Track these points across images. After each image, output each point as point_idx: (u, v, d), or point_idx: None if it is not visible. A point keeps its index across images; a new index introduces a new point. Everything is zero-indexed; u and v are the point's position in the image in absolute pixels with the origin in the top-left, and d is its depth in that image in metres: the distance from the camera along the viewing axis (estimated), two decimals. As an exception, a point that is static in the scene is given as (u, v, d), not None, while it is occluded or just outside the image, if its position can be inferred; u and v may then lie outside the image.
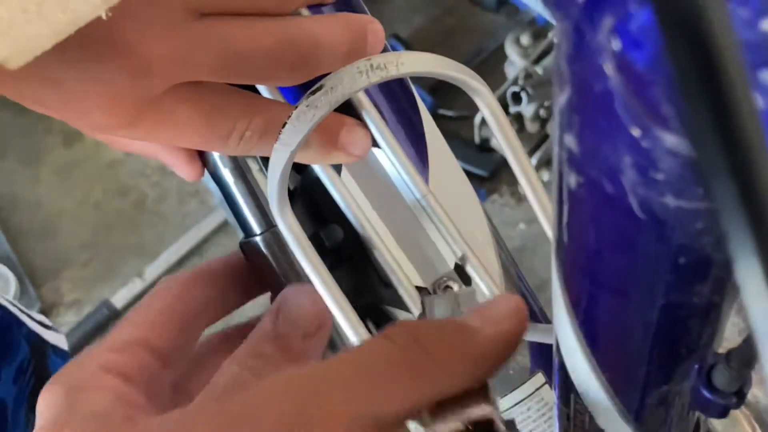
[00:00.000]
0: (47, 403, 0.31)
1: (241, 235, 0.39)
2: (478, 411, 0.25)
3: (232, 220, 0.40)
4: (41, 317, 0.70)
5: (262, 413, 0.23)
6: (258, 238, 0.37)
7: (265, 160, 0.38)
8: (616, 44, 0.16)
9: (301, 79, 0.32)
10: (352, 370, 0.24)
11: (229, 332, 0.39)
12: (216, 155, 0.38)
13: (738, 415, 0.30)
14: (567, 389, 0.25)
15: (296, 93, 0.35)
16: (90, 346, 0.34)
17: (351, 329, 0.29)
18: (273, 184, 0.29)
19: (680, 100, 0.10)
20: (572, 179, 0.19)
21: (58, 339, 0.71)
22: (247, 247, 0.38)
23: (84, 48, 0.28)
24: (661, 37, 0.10)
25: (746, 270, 0.10)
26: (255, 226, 0.38)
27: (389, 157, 0.33)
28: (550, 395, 0.27)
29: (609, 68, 0.16)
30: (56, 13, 0.18)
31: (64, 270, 1.63)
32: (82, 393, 0.31)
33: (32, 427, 0.31)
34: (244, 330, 0.39)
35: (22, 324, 0.67)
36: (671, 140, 0.16)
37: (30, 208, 1.70)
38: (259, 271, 0.38)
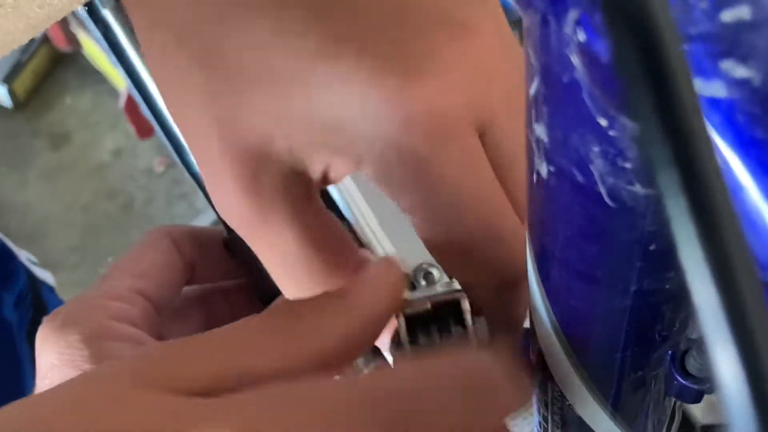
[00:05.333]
0: (66, 350, 0.31)
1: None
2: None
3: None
4: (28, 254, 0.72)
5: None
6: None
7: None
8: (581, 36, 0.16)
9: None
10: (230, 333, 0.24)
11: (208, 290, 0.40)
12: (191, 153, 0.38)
13: (713, 399, 0.31)
14: (544, 377, 0.26)
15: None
16: (85, 294, 0.34)
17: None
18: None
19: (622, 84, 0.10)
20: (543, 168, 0.19)
21: (45, 276, 0.72)
22: (231, 242, 0.38)
23: None
24: (605, 28, 0.11)
25: (689, 255, 0.10)
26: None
27: None
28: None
29: (575, 59, 0.16)
30: (33, 7, 0.19)
31: (52, 274, 1.62)
32: (103, 342, 0.31)
33: (33, 353, 0.31)
34: (223, 288, 0.40)
35: (15, 256, 0.68)
36: (635, 129, 0.17)
37: (17, 211, 1.70)
38: (243, 265, 0.38)
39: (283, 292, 0.29)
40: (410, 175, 0.26)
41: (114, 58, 0.38)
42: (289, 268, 0.28)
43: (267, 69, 0.25)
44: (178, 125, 0.28)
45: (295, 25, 0.25)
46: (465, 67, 0.26)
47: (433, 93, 0.24)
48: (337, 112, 0.25)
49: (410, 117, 0.24)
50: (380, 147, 0.25)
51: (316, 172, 0.26)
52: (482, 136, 0.26)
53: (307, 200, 0.27)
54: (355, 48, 0.24)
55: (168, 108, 0.28)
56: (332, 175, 0.27)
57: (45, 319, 0.32)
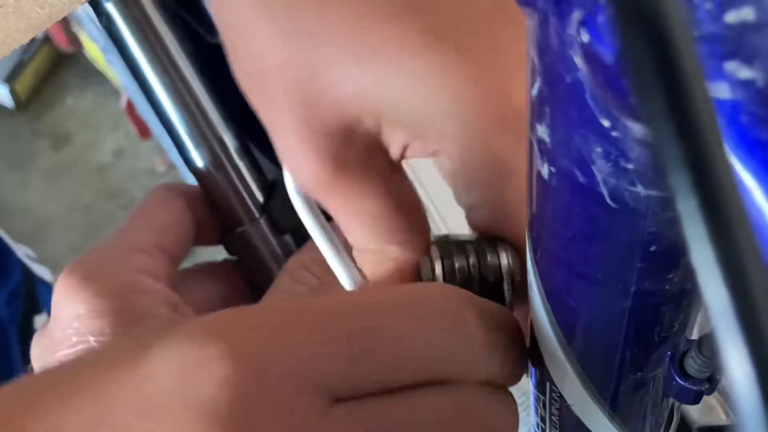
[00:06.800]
0: (94, 299, 0.30)
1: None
2: None
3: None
4: (27, 249, 0.72)
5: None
6: (243, 230, 0.38)
7: (246, 153, 0.38)
8: (584, 36, 0.16)
9: None
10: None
11: (220, 264, 0.40)
12: (192, 148, 0.38)
13: (711, 401, 0.31)
14: (543, 377, 0.26)
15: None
16: (104, 245, 0.34)
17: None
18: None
19: (634, 84, 0.10)
20: (544, 169, 0.19)
21: (43, 272, 0.72)
22: (230, 242, 0.38)
23: None
24: (615, 28, 0.11)
25: (700, 255, 0.10)
26: (239, 219, 0.38)
27: None
28: (527, 384, 0.28)
29: (578, 60, 0.16)
30: (34, 7, 0.19)
31: (53, 274, 1.62)
32: (133, 296, 0.31)
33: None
34: (226, 267, 0.40)
35: (12, 252, 0.68)
36: (640, 130, 0.17)
37: (18, 212, 1.70)
38: (244, 261, 0.38)
39: (353, 241, 0.30)
40: (488, 174, 0.27)
41: (116, 53, 0.38)
42: (366, 226, 0.29)
43: (363, 50, 0.25)
44: (253, 101, 0.28)
45: (395, 9, 0.25)
46: None
47: (520, 97, 0.25)
48: (427, 104, 0.25)
49: (503, 120, 0.25)
50: (465, 144, 0.26)
51: (396, 149, 0.28)
52: None
53: (390, 168, 0.28)
54: (454, 46, 0.25)
55: (242, 81, 0.28)
56: (409, 153, 0.28)
57: (65, 271, 0.31)
